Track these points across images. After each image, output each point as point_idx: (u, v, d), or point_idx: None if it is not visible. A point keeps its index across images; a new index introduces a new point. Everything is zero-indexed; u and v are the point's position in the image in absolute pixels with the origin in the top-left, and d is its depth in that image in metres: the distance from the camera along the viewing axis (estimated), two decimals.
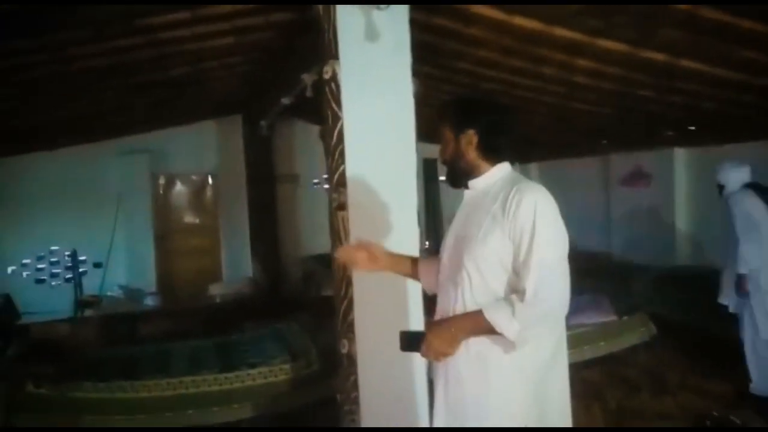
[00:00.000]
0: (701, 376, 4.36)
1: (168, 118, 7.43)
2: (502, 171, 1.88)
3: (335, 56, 2.96)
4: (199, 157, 8.30)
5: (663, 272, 6.29)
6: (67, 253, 7.48)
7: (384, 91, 3.03)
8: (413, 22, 3.17)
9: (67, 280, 7.54)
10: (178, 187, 8.33)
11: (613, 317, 4.24)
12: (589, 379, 4.18)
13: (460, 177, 1.93)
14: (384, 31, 3.02)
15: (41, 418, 3.34)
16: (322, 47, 3.06)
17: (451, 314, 1.84)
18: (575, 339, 3.96)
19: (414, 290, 3.07)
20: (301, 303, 6.67)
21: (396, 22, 3.04)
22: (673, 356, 4.77)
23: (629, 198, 7.14)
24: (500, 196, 1.77)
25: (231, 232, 8.47)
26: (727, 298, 4.13)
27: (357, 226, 2.97)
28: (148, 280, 7.93)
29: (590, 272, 6.67)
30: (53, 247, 7.68)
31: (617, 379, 4.24)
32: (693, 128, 6.07)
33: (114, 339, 5.66)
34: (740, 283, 3.90)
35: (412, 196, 3.10)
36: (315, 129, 7.93)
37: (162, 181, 8.20)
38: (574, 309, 4.14)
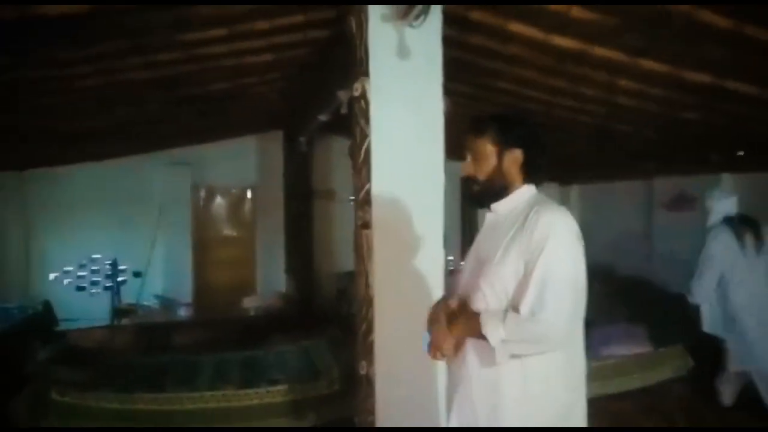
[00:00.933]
0: (741, 411, 4.12)
1: (210, 133, 7.57)
2: (527, 193, 1.85)
3: (366, 73, 2.94)
4: (239, 171, 8.39)
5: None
6: (107, 261, 7.65)
7: (414, 110, 2.99)
8: (449, 41, 3.14)
9: (107, 289, 7.69)
10: (218, 199, 8.44)
11: (647, 348, 4.03)
12: (619, 412, 3.97)
13: (492, 196, 1.87)
14: (416, 48, 2.99)
15: (65, 425, 3.38)
16: (353, 64, 3.06)
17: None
18: (606, 370, 3.80)
19: None
20: (333, 319, 6.63)
21: (428, 39, 3.00)
22: (713, 390, 4.52)
23: (673, 223, 6.87)
24: (520, 217, 1.74)
25: (267, 246, 8.52)
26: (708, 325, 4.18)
27: (382, 246, 2.92)
28: (184, 290, 8.03)
29: (629, 299, 6.44)
30: (95, 256, 7.84)
31: (651, 413, 4.02)
32: (741, 153, 5.83)
33: (147, 348, 5.73)
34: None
35: (439, 216, 3.03)
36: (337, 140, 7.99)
37: (202, 193, 8.33)
38: (607, 339, 4.03)
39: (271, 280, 8.43)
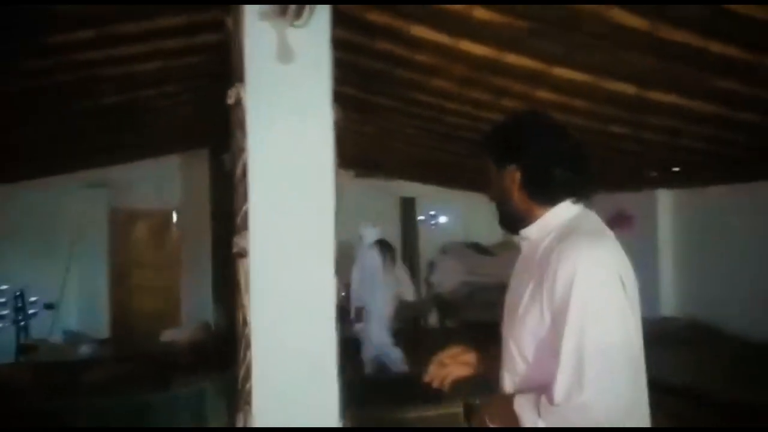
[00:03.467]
0: None
1: (127, 152, 7.07)
2: (560, 215, 1.44)
3: (241, 78, 2.57)
4: (161, 192, 7.87)
5: (647, 325, 5.79)
6: (16, 292, 7.01)
7: (299, 120, 2.61)
8: (351, 46, 2.82)
9: (15, 323, 7.04)
10: (139, 224, 7.90)
11: None
12: None
13: (513, 222, 1.53)
14: (301, 51, 2.63)
15: None
16: (230, 69, 2.69)
17: None
18: None
19: (328, 353, 2.60)
20: None
21: (315, 41, 2.64)
22: (662, 421, 4.23)
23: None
24: (547, 253, 1.36)
25: (194, 273, 7.99)
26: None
27: (261, 278, 2.52)
28: (101, 323, 7.45)
29: None
30: (2, 287, 7.19)
31: None
32: (677, 169, 5.67)
33: (43, 390, 5.15)
34: (358, 313, 5.71)
35: (329, 241, 2.63)
36: None
37: (121, 217, 7.76)
38: None
39: (198, 309, 7.89)
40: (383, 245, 5.78)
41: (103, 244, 7.56)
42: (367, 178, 8.59)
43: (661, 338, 5.49)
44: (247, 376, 2.50)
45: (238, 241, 2.55)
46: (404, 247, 8.88)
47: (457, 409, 3.13)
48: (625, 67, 3.22)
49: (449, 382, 1.70)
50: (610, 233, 1.41)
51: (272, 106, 2.58)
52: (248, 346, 2.49)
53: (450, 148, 5.97)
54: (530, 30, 2.92)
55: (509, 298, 1.49)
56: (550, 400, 1.24)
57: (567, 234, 1.36)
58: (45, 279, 7.20)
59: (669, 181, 6.05)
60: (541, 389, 1.29)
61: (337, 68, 3.81)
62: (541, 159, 1.44)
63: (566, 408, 1.22)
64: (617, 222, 6.49)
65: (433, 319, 8.57)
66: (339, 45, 3.32)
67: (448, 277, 8.27)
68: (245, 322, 2.51)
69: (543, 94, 3.74)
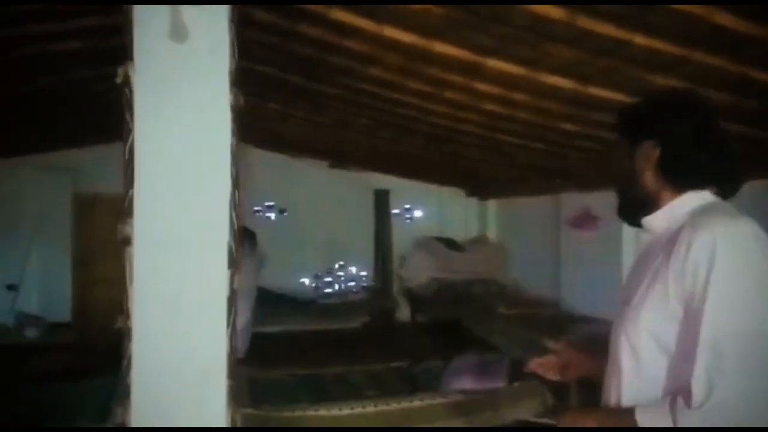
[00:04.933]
0: None
1: (91, 135, 6.95)
2: (691, 202, 1.30)
3: (130, 57, 2.45)
4: None
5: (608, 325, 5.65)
6: None
7: (192, 103, 2.48)
8: (274, 29, 2.69)
9: None
10: (104, 208, 7.75)
11: (503, 383, 3.61)
12: None
13: (635, 208, 1.40)
14: (197, 30, 2.50)
15: None
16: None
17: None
18: (451, 410, 3.35)
19: (216, 350, 2.48)
20: None
21: (212, 19, 2.51)
22: None
23: (580, 242, 6.53)
24: (671, 239, 1.25)
25: None
26: None
27: (146, 268, 2.40)
28: (62, 309, 7.36)
29: (533, 323, 6.08)
30: None
31: None
32: None
33: None
34: None
35: (223, 233, 2.52)
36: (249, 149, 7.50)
37: (85, 201, 7.64)
38: (461, 371, 3.63)
39: None
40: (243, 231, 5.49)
41: (66, 228, 7.46)
42: (342, 170, 8.48)
43: None
44: (128, 369, 2.39)
45: (121, 229, 2.44)
46: (377, 240, 8.76)
47: (338, 412, 3.02)
48: (555, 59, 3.08)
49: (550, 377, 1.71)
50: (749, 218, 1.24)
51: (163, 87, 2.45)
52: (129, 338, 2.39)
53: (411, 140, 5.84)
54: (456, 20, 2.80)
55: (623, 295, 1.38)
56: (688, 402, 1.11)
57: (699, 218, 1.22)
58: (7, 262, 7.14)
59: None
60: (668, 393, 1.19)
61: (266, 53, 3.70)
62: (687, 136, 1.30)
63: (712, 407, 1.09)
64: (582, 222, 6.35)
65: (403, 313, 8.44)
66: (261, 27, 3.21)
67: (419, 272, 8.13)
68: (128, 314, 2.40)
69: (482, 87, 3.61)
